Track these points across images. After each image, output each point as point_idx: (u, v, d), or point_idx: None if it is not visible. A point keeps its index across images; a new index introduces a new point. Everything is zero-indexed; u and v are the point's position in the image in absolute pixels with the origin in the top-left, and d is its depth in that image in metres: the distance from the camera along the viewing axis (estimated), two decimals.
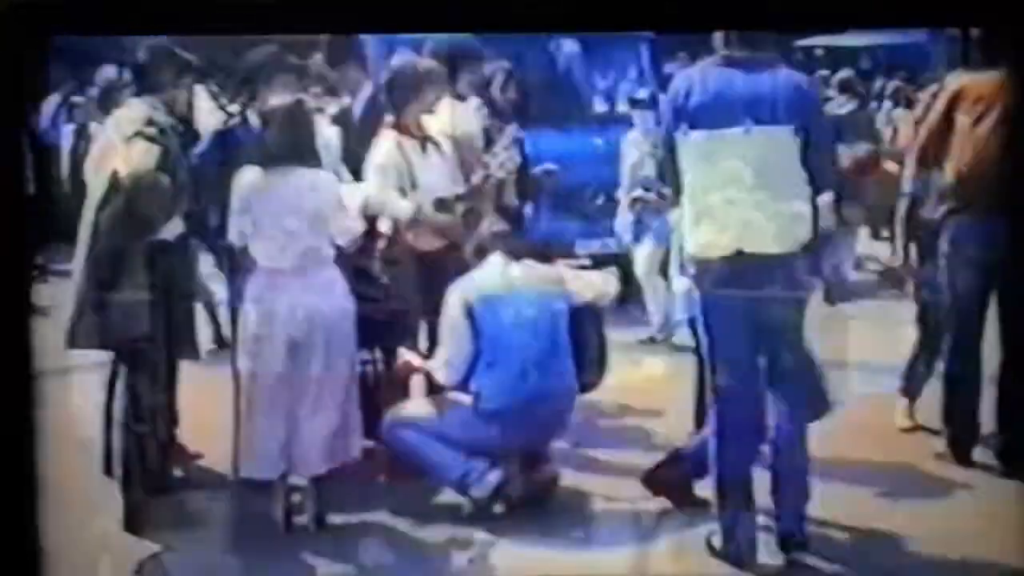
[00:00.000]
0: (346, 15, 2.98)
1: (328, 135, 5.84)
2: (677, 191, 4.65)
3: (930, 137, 5.64)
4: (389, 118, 5.64)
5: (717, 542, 4.68)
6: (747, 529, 4.63)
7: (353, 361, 5.18)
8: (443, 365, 5.23)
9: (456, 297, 5.19)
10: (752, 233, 4.49)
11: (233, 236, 5.17)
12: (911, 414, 6.19)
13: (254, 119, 5.66)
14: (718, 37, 4.56)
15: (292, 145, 5.08)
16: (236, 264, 5.52)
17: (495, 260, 5.28)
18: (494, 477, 5.17)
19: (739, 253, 4.49)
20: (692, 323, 5.11)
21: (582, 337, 5.34)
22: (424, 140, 5.60)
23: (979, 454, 5.73)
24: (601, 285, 5.53)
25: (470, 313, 5.16)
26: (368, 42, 6.95)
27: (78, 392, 6.43)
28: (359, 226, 5.16)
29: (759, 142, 4.49)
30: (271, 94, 5.54)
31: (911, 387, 6.27)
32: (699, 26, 3.73)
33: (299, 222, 5.04)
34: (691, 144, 4.53)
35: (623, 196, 7.67)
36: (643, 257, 7.71)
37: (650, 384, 6.88)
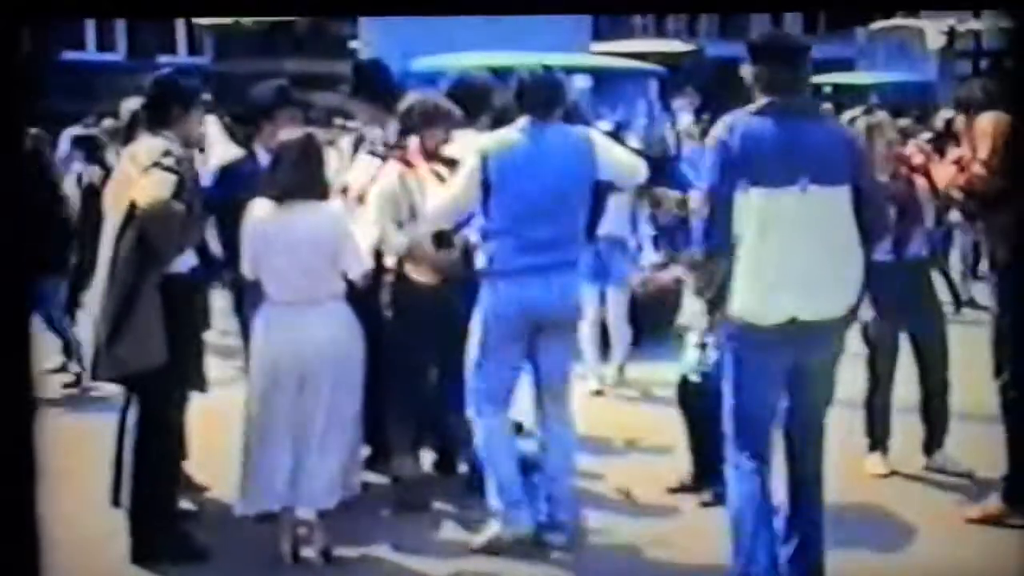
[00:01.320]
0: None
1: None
2: (726, 249, 4.32)
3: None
4: (396, 151, 5.67)
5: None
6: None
7: (359, 396, 5.18)
8: (440, 202, 5.26)
9: (476, 148, 5.17)
10: (808, 301, 4.30)
11: (244, 269, 5.18)
12: (885, 459, 6.15)
13: (260, 154, 5.69)
14: (754, 80, 4.42)
15: (302, 180, 5.10)
16: (246, 297, 5.54)
17: (522, 121, 5.18)
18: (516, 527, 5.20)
19: (792, 321, 4.30)
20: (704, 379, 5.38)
21: (592, 206, 5.31)
22: (433, 173, 5.61)
23: None
24: (634, 168, 5.42)
25: (484, 162, 5.10)
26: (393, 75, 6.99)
27: (90, 422, 6.46)
28: (369, 260, 5.17)
29: (816, 202, 4.28)
30: (276, 128, 5.56)
31: (877, 428, 6.22)
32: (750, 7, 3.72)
33: (309, 256, 5.05)
34: (751, 202, 4.26)
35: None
36: (613, 302, 7.93)
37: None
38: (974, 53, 21.60)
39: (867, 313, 5.79)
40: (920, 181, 6.04)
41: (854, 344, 5.26)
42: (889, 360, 6.17)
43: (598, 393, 7.85)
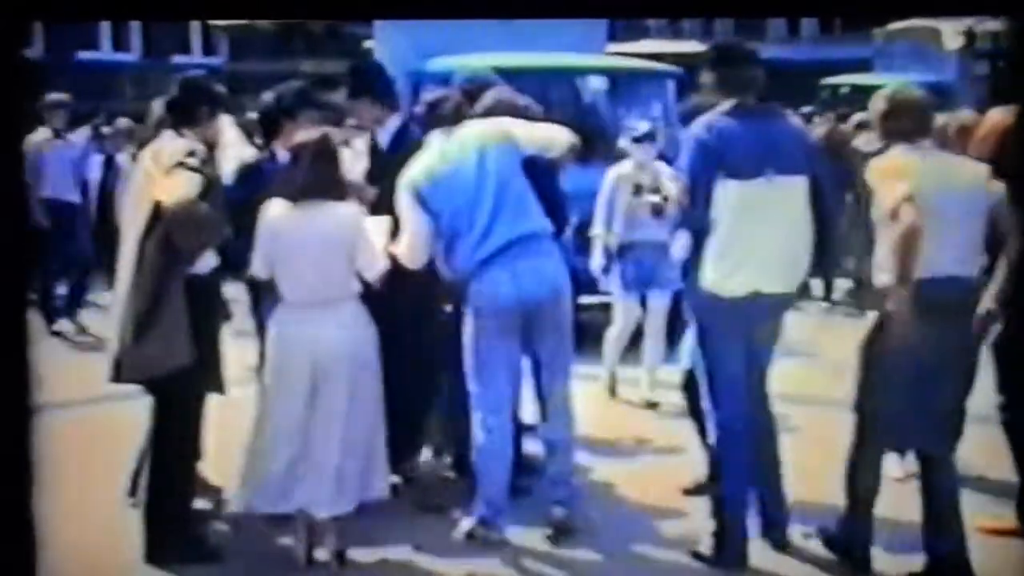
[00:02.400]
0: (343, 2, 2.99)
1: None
2: (705, 231, 4.91)
3: None
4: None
5: (706, 549, 5.09)
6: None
7: (378, 397, 5.18)
8: (404, 248, 5.32)
9: (402, 185, 5.34)
10: (770, 276, 4.92)
11: (258, 269, 5.19)
12: (903, 462, 6.07)
13: (280, 154, 5.70)
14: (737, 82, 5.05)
15: (318, 180, 5.11)
16: (261, 297, 5.55)
17: (434, 139, 5.40)
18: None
19: (755, 293, 4.91)
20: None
21: (541, 187, 5.37)
22: None
23: None
24: (551, 134, 5.45)
25: (417, 195, 5.28)
26: (396, 74, 6.99)
27: (111, 424, 6.48)
28: (385, 261, 5.18)
29: (779, 190, 4.89)
30: (296, 129, 5.57)
31: None
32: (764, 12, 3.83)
33: (324, 257, 5.06)
34: (728, 192, 4.85)
35: (594, 230, 7.74)
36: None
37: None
38: (992, 54, 21.52)
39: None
40: None
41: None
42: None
43: (652, 405, 7.66)
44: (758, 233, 4.85)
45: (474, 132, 5.33)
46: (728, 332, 4.99)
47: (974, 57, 21.71)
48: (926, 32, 22.21)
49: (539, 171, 5.39)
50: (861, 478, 5.00)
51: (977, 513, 5.44)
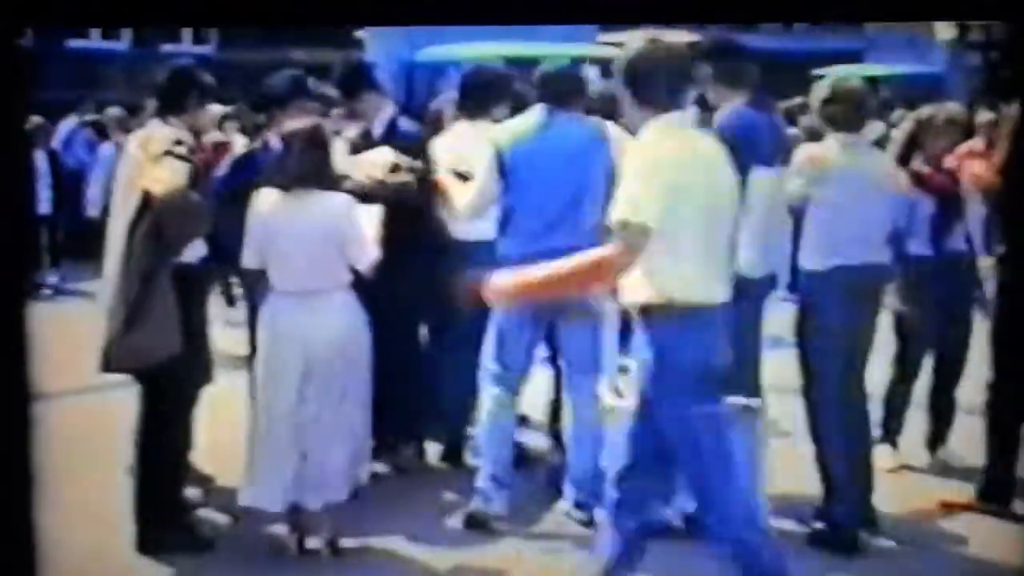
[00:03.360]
0: (340, 8, 2.99)
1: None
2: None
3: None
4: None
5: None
6: None
7: (368, 387, 5.19)
8: (465, 201, 5.37)
9: (490, 139, 5.32)
10: (782, 258, 5.27)
11: (249, 259, 5.19)
12: (896, 452, 6.15)
13: (273, 143, 5.70)
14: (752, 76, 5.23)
15: (310, 169, 5.10)
16: (252, 287, 5.55)
17: (536, 108, 5.30)
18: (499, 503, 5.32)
19: (769, 274, 5.20)
20: None
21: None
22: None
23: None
24: None
25: (499, 157, 5.23)
26: (387, 65, 7.01)
27: (98, 413, 6.47)
28: (376, 250, 5.17)
29: (785, 179, 5.14)
30: (289, 118, 5.57)
31: (892, 421, 6.21)
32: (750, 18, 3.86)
33: (315, 246, 5.06)
34: (759, 178, 5.00)
35: None
36: None
37: None
38: (984, 45, 21.56)
39: (898, 305, 5.80)
40: (963, 175, 6.03)
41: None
42: (918, 354, 6.15)
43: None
44: (779, 218, 5.13)
45: (579, 121, 5.24)
46: (747, 310, 4.94)
47: (966, 48, 21.76)
48: (918, 23, 22.23)
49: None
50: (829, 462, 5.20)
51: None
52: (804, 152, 5.14)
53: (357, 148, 5.99)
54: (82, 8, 2.83)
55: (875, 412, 6.12)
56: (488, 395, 5.40)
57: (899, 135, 6.30)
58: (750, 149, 4.94)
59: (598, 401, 5.25)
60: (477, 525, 5.34)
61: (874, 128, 11.45)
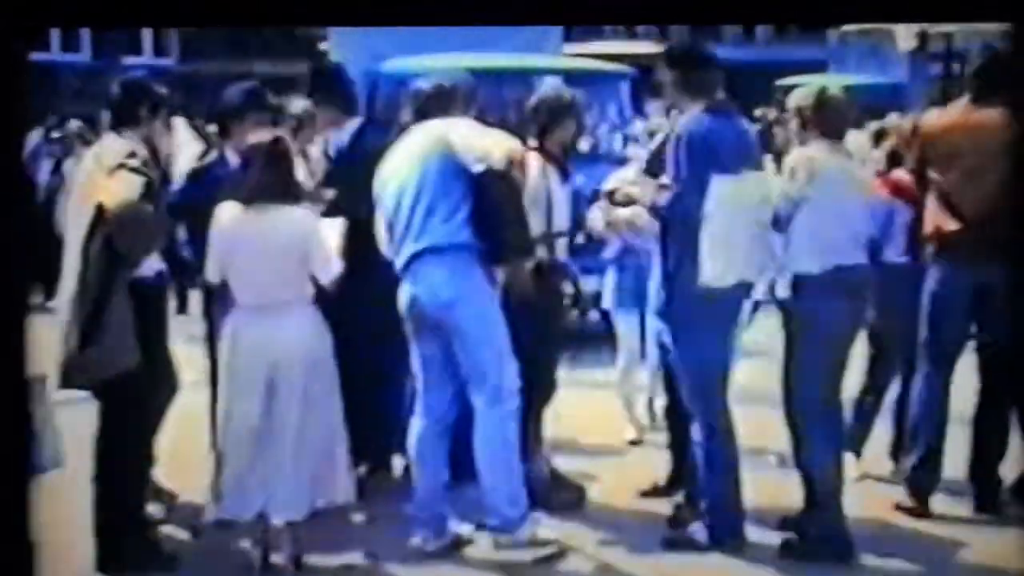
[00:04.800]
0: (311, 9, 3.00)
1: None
2: (696, 226, 5.04)
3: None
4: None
5: (702, 536, 5.22)
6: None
7: (335, 401, 5.17)
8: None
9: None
10: (752, 266, 5.13)
11: (211, 273, 5.17)
12: (859, 462, 6.16)
13: (233, 156, 5.68)
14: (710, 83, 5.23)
15: (271, 183, 5.09)
16: (213, 301, 5.52)
17: (408, 135, 5.34)
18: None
19: (741, 284, 5.12)
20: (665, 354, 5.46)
21: (481, 198, 5.15)
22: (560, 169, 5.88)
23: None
24: (486, 144, 5.13)
25: (378, 196, 5.32)
26: (352, 75, 6.97)
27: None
28: (339, 264, 5.16)
29: (753, 185, 5.14)
30: (249, 131, 5.55)
31: (859, 429, 6.21)
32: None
33: (277, 259, 5.04)
34: (722, 186, 5.01)
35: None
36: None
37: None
38: (945, 55, 21.76)
39: (872, 313, 5.84)
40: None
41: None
42: (891, 364, 6.18)
43: (635, 443, 6.94)
44: (744, 225, 5.06)
45: (418, 136, 5.27)
46: (717, 324, 5.15)
47: (927, 58, 21.96)
48: (880, 33, 22.44)
49: (486, 182, 5.13)
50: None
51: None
52: (799, 154, 5.17)
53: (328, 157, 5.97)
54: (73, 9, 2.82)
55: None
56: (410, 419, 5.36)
57: (882, 148, 6.38)
58: (709, 156, 5.01)
59: (505, 430, 5.15)
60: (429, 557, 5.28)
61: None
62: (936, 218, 5.61)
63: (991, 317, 5.56)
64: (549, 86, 6.03)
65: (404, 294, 5.21)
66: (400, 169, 5.23)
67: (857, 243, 5.23)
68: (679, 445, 5.68)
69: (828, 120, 5.20)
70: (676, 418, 5.66)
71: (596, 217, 6.15)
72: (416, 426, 5.31)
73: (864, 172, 5.60)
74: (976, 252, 5.46)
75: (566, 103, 5.83)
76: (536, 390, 5.55)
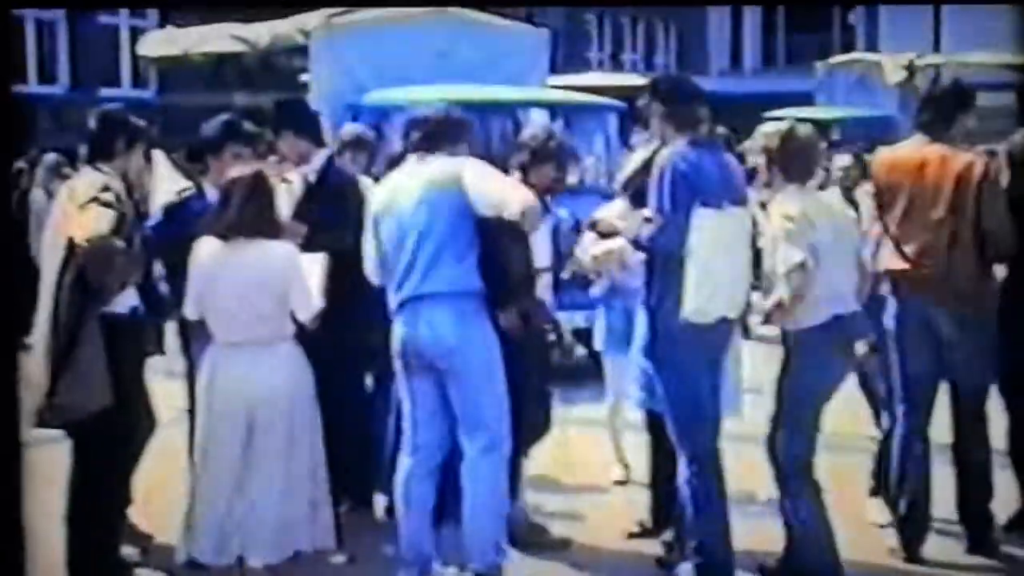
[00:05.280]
0: None
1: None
2: (679, 260, 5.02)
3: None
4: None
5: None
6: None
7: (317, 442, 5.14)
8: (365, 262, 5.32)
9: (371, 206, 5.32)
10: (733, 302, 5.09)
11: (189, 309, 5.15)
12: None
13: (212, 190, 5.66)
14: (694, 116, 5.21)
15: (251, 217, 5.08)
16: (192, 338, 5.49)
17: (408, 164, 5.26)
18: None
19: (723, 319, 5.08)
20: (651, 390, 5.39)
21: (489, 244, 5.13)
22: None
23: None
24: (504, 195, 5.07)
25: (373, 218, 5.25)
26: (333, 107, 6.98)
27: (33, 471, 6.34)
28: (319, 301, 5.14)
29: (735, 220, 5.11)
30: (229, 164, 5.53)
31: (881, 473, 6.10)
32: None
33: (257, 296, 5.02)
34: (704, 220, 4.99)
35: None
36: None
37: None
38: (932, 87, 21.87)
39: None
40: None
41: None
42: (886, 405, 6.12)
43: (621, 483, 6.89)
44: (726, 260, 5.03)
45: (427, 172, 5.16)
46: (702, 360, 5.11)
47: (915, 91, 22.10)
48: (868, 65, 22.57)
49: (493, 228, 5.12)
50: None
51: None
52: (782, 213, 5.11)
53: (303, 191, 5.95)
54: None
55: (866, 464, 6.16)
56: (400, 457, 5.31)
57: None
58: (691, 189, 4.99)
59: (495, 476, 5.10)
60: None
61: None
62: (886, 255, 5.61)
63: (952, 354, 5.54)
64: (537, 126, 5.98)
65: (401, 332, 5.13)
66: (404, 203, 5.14)
67: (850, 289, 5.19)
68: (666, 485, 5.64)
69: (794, 161, 5.16)
70: (661, 457, 5.63)
71: (583, 251, 6.12)
72: (404, 465, 5.25)
73: (841, 206, 5.50)
74: (924, 290, 5.48)
75: (554, 144, 5.80)
76: (525, 430, 5.52)
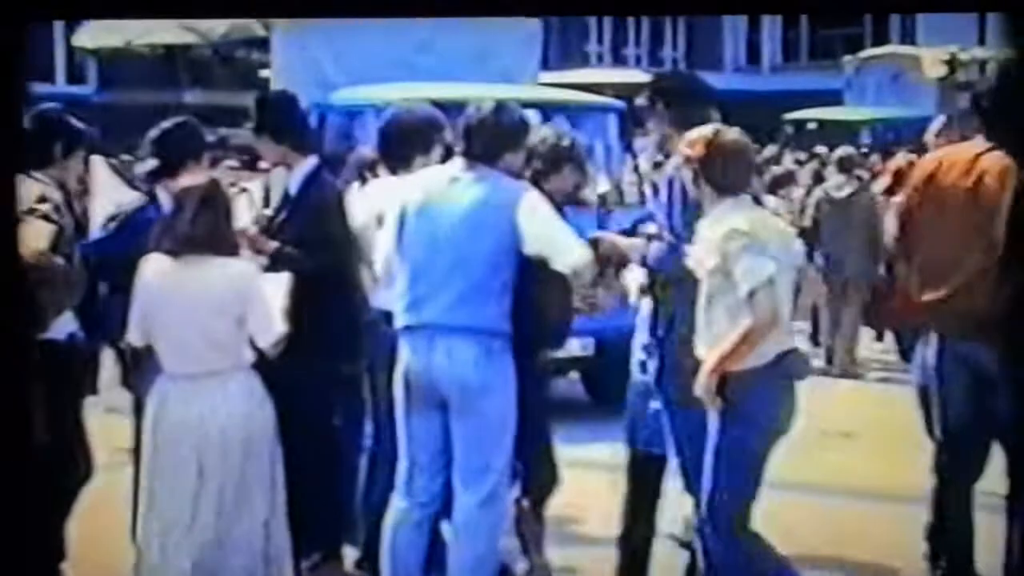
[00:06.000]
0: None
1: None
2: (695, 285, 4.93)
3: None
4: None
5: None
6: None
7: (278, 484, 5.18)
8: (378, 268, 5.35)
9: (399, 195, 5.27)
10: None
11: (134, 334, 5.17)
12: None
13: (163, 199, 5.69)
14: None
15: (205, 231, 5.10)
16: (138, 368, 5.52)
17: (456, 163, 5.23)
18: None
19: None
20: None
21: (536, 298, 5.13)
22: None
23: None
24: (561, 246, 5.10)
25: (401, 220, 5.20)
26: (308, 110, 6.99)
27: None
28: (282, 325, 5.17)
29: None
30: (182, 171, 5.57)
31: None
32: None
33: (211, 320, 5.06)
34: None
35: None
36: None
37: None
38: (975, 84, 21.93)
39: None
40: None
41: None
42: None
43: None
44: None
45: (479, 188, 5.12)
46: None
47: (956, 88, 22.19)
48: (904, 59, 22.62)
49: (535, 268, 5.14)
50: None
51: None
52: (728, 227, 4.86)
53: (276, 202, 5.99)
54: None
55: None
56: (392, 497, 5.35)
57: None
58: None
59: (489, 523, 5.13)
60: None
61: (843, 185, 11.64)
62: (916, 283, 5.46)
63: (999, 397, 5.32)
64: (542, 128, 5.98)
65: (410, 359, 5.13)
66: (445, 215, 5.11)
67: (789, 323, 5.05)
68: (643, 544, 5.68)
69: (727, 171, 4.91)
70: (639, 507, 5.66)
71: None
72: (395, 510, 5.27)
73: (781, 226, 5.36)
74: (966, 324, 5.27)
75: (567, 144, 5.74)
76: (534, 486, 5.56)
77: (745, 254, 4.75)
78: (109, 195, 6.23)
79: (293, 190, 5.96)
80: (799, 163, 15.89)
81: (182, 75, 12.40)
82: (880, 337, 12.47)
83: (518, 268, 5.12)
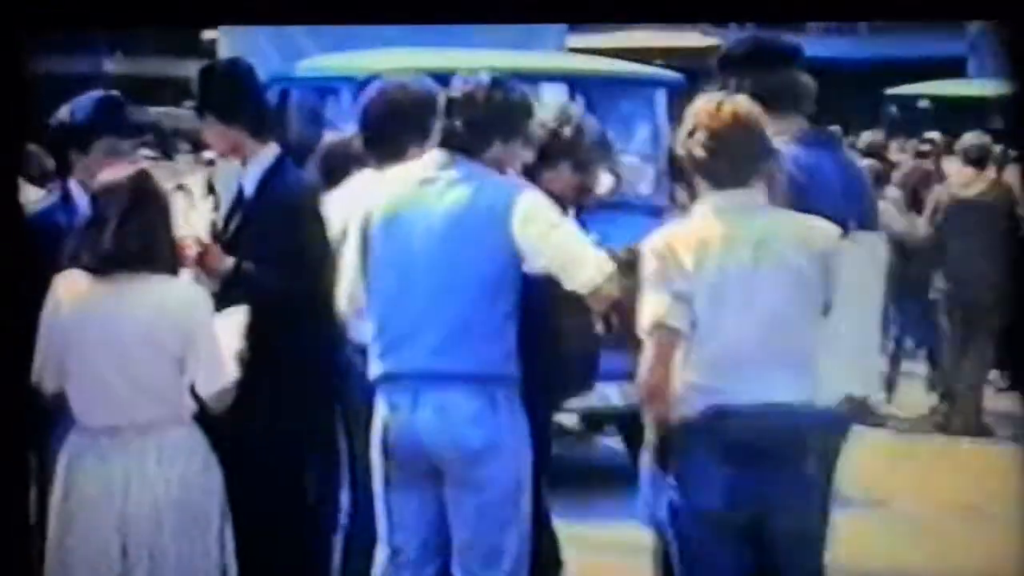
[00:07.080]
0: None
1: None
2: None
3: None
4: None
5: None
6: None
7: (226, 565, 5.20)
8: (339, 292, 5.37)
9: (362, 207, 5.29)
10: (862, 371, 5.29)
11: (41, 376, 5.19)
12: None
13: (78, 198, 5.72)
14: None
15: (135, 241, 5.11)
16: (44, 421, 5.54)
17: (433, 156, 5.23)
18: None
19: (849, 399, 5.16)
20: None
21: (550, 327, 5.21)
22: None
23: None
24: (576, 260, 5.10)
25: (364, 237, 5.23)
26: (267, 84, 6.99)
27: None
28: (233, 369, 5.17)
29: (862, 247, 5.15)
30: (101, 163, 5.59)
31: None
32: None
33: (141, 357, 5.08)
34: None
35: None
36: None
37: None
38: None
39: None
40: None
41: None
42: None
43: None
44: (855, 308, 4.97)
45: (460, 189, 5.14)
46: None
47: None
48: None
49: (543, 288, 5.16)
50: None
51: None
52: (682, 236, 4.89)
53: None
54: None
55: None
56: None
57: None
58: (804, 209, 4.88)
59: None
60: None
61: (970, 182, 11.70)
62: None
63: None
64: (549, 108, 5.99)
65: (389, 417, 5.16)
66: (418, 225, 5.14)
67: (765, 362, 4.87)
68: None
69: (723, 160, 4.78)
70: None
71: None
72: None
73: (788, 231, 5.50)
74: None
75: (569, 131, 5.73)
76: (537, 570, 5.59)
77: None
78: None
79: (248, 188, 5.98)
80: (921, 156, 15.69)
81: (102, 39, 12.45)
82: (1016, 385, 12.46)
83: (522, 292, 5.12)
